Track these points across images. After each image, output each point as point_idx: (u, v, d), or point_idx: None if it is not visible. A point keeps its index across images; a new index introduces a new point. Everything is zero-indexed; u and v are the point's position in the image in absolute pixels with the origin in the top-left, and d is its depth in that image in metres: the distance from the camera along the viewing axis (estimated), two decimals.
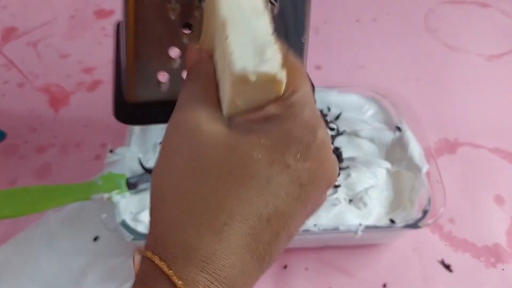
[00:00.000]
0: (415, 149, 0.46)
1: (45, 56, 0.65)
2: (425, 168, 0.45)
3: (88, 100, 0.59)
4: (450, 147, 0.55)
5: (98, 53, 0.66)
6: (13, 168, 0.52)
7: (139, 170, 0.46)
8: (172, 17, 0.32)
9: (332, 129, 0.51)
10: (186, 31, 0.33)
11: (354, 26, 0.71)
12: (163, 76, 0.35)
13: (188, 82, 0.27)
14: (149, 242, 0.24)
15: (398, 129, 0.49)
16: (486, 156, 0.54)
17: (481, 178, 0.52)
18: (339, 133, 0.51)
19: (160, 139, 0.50)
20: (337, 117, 0.52)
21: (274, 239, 0.24)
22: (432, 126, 0.55)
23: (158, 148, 0.49)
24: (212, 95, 0.25)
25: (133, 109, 0.36)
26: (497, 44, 0.67)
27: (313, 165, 0.24)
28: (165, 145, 0.25)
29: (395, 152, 0.48)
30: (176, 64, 0.34)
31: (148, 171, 0.46)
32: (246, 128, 0.24)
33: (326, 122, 0.52)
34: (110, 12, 0.72)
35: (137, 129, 0.50)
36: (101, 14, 0.72)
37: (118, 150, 0.47)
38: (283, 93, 0.24)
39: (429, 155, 0.46)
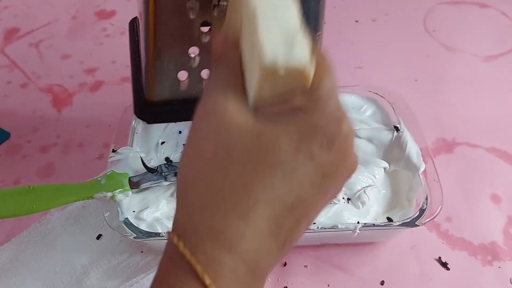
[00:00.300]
0: (413, 149, 0.47)
1: (47, 57, 0.65)
2: (422, 167, 0.45)
3: (90, 101, 0.60)
4: (447, 146, 0.55)
5: (100, 53, 0.66)
6: (17, 167, 0.53)
7: (142, 169, 0.46)
8: (191, 16, 0.32)
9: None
10: (205, 30, 0.33)
11: (353, 27, 0.71)
12: (182, 75, 0.35)
13: (215, 70, 0.27)
14: (175, 225, 0.25)
15: (396, 129, 0.49)
16: (483, 156, 0.54)
17: (478, 177, 0.52)
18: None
19: (162, 139, 0.50)
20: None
21: (295, 225, 0.25)
22: (429, 126, 0.56)
23: (160, 148, 0.50)
24: (238, 83, 0.25)
25: (154, 108, 0.36)
26: (495, 44, 0.68)
27: (336, 156, 0.25)
28: (193, 131, 0.26)
29: (393, 151, 0.48)
30: (195, 63, 0.34)
31: (150, 170, 0.46)
32: (272, 118, 0.24)
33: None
34: (111, 13, 0.72)
35: (139, 129, 0.50)
36: (102, 15, 0.72)
37: (121, 150, 0.47)
38: (310, 85, 0.25)
39: (427, 154, 0.47)
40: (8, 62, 0.65)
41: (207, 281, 0.22)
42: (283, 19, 0.24)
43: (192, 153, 0.25)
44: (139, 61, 0.38)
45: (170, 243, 0.25)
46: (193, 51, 0.34)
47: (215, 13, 0.32)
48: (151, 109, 0.37)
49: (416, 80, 0.63)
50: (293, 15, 0.25)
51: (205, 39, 0.33)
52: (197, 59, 0.34)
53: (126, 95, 0.59)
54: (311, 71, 0.24)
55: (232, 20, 0.28)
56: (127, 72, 0.63)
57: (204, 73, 0.37)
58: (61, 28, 0.70)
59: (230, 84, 0.25)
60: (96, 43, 0.68)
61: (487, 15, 0.73)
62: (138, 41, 0.39)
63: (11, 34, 0.69)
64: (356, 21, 0.71)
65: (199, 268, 0.23)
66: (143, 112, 0.37)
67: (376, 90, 0.53)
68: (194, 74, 0.35)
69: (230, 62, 0.26)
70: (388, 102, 0.52)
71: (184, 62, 0.34)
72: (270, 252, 0.24)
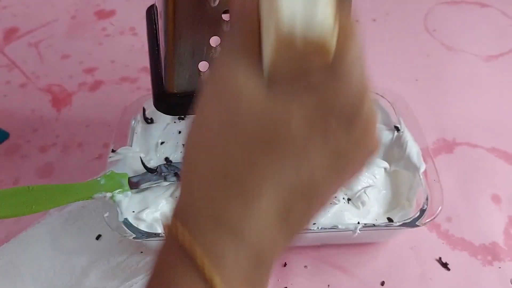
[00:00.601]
0: (413, 149, 0.47)
1: (46, 57, 0.65)
2: (422, 167, 0.45)
3: (89, 100, 0.60)
4: (447, 146, 0.55)
5: (99, 53, 0.66)
6: (16, 167, 0.53)
7: (141, 169, 0.46)
8: (213, 3, 0.30)
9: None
10: (227, 18, 0.31)
11: None
12: (203, 66, 0.34)
13: (229, 36, 0.24)
14: (176, 209, 0.23)
15: (397, 129, 0.49)
16: (484, 156, 0.54)
17: (479, 177, 0.52)
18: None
19: (161, 140, 0.50)
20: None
21: (306, 209, 0.23)
22: (430, 125, 0.56)
23: (160, 148, 0.49)
24: (254, 52, 0.22)
25: (173, 99, 0.35)
26: (496, 44, 0.68)
27: (355, 137, 0.22)
28: (200, 104, 0.23)
29: (393, 151, 0.48)
30: (216, 53, 0.33)
31: (149, 170, 0.46)
32: (287, 92, 0.22)
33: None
34: (111, 13, 0.72)
35: (139, 129, 0.50)
36: (102, 14, 0.72)
37: (120, 150, 0.47)
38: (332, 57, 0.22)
39: (427, 154, 0.46)
40: (7, 62, 0.64)
41: (207, 269, 0.21)
42: None
43: (198, 127, 0.23)
44: (158, 51, 0.37)
45: (167, 228, 0.23)
46: (215, 41, 0.33)
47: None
48: (170, 101, 0.35)
49: (416, 80, 0.63)
50: None
51: (227, 28, 0.32)
52: (219, 49, 0.33)
53: (125, 94, 0.60)
54: (332, 45, 0.21)
55: None
56: (127, 72, 0.63)
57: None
58: (60, 28, 0.70)
59: (245, 52, 0.22)
60: (95, 43, 0.67)
61: (487, 14, 0.73)
62: (156, 30, 0.38)
63: (11, 34, 0.69)
64: (356, 21, 0.71)
65: (198, 254, 0.21)
66: (161, 104, 0.36)
67: (376, 90, 0.53)
68: None
69: (247, 27, 0.23)
70: (388, 102, 0.52)
71: (205, 53, 0.33)
72: (277, 236, 0.22)
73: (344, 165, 0.23)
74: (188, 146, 0.24)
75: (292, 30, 0.21)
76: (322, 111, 0.22)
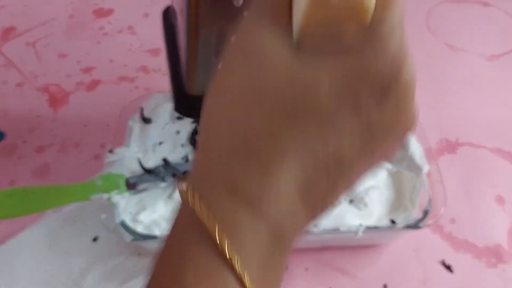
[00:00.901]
0: (416, 149, 0.46)
1: (44, 56, 0.65)
2: (425, 168, 0.45)
3: (87, 100, 0.59)
4: (450, 147, 0.55)
5: (97, 52, 0.65)
6: (12, 168, 0.52)
7: (139, 170, 0.46)
8: (236, 3, 0.30)
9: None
10: None
11: None
12: None
13: None
14: (190, 175, 0.22)
15: None
16: (487, 156, 0.54)
17: (482, 178, 0.52)
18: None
19: (159, 140, 0.49)
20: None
21: (330, 186, 0.21)
22: (433, 126, 0.55)
23: (158, 149, 0.49)
24: (283, 12, 0.20)
25: (194, 102, 0.34)
26: (498, 43, 0.67)
27: (390, 109, 0.20)
28: (222, 65, 0.22)
29: (396, 152, 0.48)
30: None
31: (147, 171, 0.46)
32: (317, 56, 0.20)
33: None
34: (109, 11, 0.71)
35: (136, 129, 0.49)
36: (100, 13, 0.71)
37: (118, 150, 0.46)
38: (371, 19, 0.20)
39: (430, 155, 0.46)
40: (5, 61, 0.64)
41: (225, 242, 0.19)
42: None
43: (217, 90, 0.22)
44: (177, 53, 0.36)
45: (183, 194, 0.21)
46: None
47: None
48: (191, 103, 0.34)
49: (418, 79, 0.62)
50: None
51: None
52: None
53: (123, 94, 0.59)
54: (371, 5, 0.19)
55: None
56: (125, 71, 0.63)
57: None
58: (58, 26, 0.69)
59: (271, 13, 0.21)
60: (93, 42, 0.67)
61: (489, 14, 0.72)
62: (174, 32, 0.37)
63: (8, 33, 0.68)
64: None
65: (216, 230, 0.19)
66: (182, 107, 0.35)
67: None
68: None
69: None
70: None
71: None
72: (298, 212, 0.21)
73: (376, 143, 0.21)
74: (207, 110, 0.22)
75: None
76: (355, 78, 0.20)
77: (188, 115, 0.37)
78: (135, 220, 0.42)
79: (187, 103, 0.35)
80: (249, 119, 0.20)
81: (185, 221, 0.21)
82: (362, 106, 0.20)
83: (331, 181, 0.21)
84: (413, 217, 0.43)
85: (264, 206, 0.20)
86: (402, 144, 0.22)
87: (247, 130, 0.20)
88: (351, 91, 0.20)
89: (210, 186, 0.21)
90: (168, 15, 0.39)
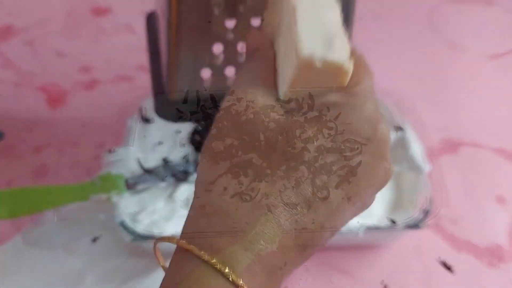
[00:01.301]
0: (417, 149, 0.46)
1: (41, 55, 0.65)
2: (426, 168, 0.45)
3: (85, 100, 0.59)
4: (452, 147, 0.55)
5: (95, 51, 0.65)
6: (10, 168, 0.52)
7: (138, 170, 0.46)
8: (216, 11, 0.31)
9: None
10: (230, 26, 0.32)
11: (357, 25, 0.70)
12: (205, 72, 0.34)
13: (247, 63, 0.27)
14: (187, 230, 0.24)
15: (400, 129, 0.49)
16: (489, 156, 0.54)
17: (483, 178, 0.52)
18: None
19: (159, 139, 0.49)
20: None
21: (318, 229, 0.23)
22: (434, 125, 0.55)
23: (157, 149, 0.49)
24: (270, 78, 0.25)
25: (175, 106, 0.35)
26: (501, 43, 0.67)
27: (368, 160, 0.23)
28: (218, 121, 0.25)
29: (397, 152, 0.48)
30: (219, 60, 0.34)
31: (147, 171, 0.46)
32: (302, 110, 0.24)
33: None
34: (107, 10, 0.71)
35: (136, 128, 0.49)
36: (98, 12, 0.71)
37: (117, 150, 0.46)
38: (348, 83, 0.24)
39: (431, 155, 0.46)
40: (2, 61, 0.64)
41: (233, 274, 0.21)
42: (323, 16, 0.24)
43: (214, 141, 0.24)
44: (159, 57, 0.37)
45: (178, 252, 0.23)
46: (217, 48, 0.33)
47: (241, 9, 0.31)
48: (173, 107, 0.36)
49: (420, 79, 0.62)
50: (334, 13, 0.25)
51: (230, 36, 0.33)
52: (221, 56, 0.34)
53: (122, 94, 0.59)
54: (349, 68, 0.23)
55: (269, 20, 0.28)
56: (124, 71, 0.62)
57: (228, 71, 0.36)
58: (56, 25, 0.69)
59: (262, 78, 0.25)
60: (91, 40, 0.67)
61: (492, 13, 0.72)
62: (156, 37, 0.39)
63: (5, 31, 0.68)
64: (360, 19, 0.71)
65: (218, 263, 0.21)
66: (163, 111, 0.37)
67: (380, 89, 0.52)
68: (217, 72, 0.35)
69: (264, 57, 0.26)
70: (392, 101, 0.51)
71: (208, 60, 0.34)
72: (289, 253, 0.23)
73: (357, 192, 0.23)
74: (202, 164, 0.25)
75: (312, 52, 0.23)
76: (337, 127, 0.23)
77: (169, 119, 0.38)
78: (134, 220, 0.42)
79: (167, 107, 0.36)
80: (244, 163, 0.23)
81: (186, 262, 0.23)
82: (345, 157, 0.23)
83: (319, 224, 0.23)
84: (413, 217, 0.42)
85: (261, 247, 0.22)
86: (377, 192, 0.25)
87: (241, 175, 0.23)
88: (336, 143, 0.23)
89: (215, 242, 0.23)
90: (151, 19, 0.39)
